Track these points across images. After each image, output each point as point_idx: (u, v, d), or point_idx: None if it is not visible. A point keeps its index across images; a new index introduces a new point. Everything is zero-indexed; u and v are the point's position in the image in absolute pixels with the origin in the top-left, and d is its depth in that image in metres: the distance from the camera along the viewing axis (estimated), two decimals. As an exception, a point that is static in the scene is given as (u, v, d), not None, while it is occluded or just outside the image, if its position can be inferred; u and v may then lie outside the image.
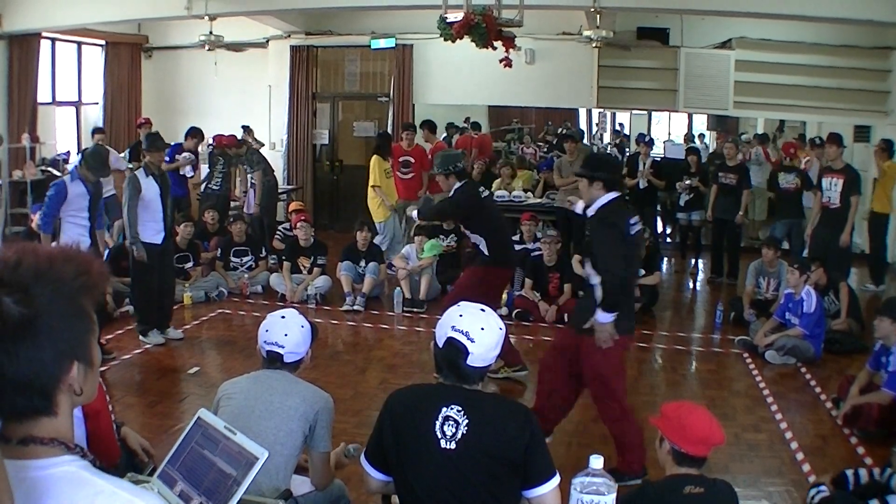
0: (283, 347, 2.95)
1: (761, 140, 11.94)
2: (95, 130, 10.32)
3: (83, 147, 10.62)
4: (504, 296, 7.86)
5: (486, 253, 5.75)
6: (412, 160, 9.38)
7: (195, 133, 9.68)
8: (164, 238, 6.59)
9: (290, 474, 2.93)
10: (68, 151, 11.35)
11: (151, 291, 6.61)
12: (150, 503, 1.18)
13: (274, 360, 2.97)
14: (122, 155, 10.62)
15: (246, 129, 10.95)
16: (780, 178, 8.95)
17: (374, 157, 9.34)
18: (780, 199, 9.21)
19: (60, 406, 1.20)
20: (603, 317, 4.06)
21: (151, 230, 6.45)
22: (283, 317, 3.03)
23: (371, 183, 9.26)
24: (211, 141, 10.40)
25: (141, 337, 6.68)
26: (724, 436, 2.74)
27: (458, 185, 5.76)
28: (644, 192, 10.08)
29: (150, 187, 6.41)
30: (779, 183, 8.95)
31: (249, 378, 3.02)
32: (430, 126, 10.21)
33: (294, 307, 7.81)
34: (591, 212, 4.25)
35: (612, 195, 4.20)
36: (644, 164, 10.18)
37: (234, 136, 10.15)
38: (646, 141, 10.67)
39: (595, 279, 4.14)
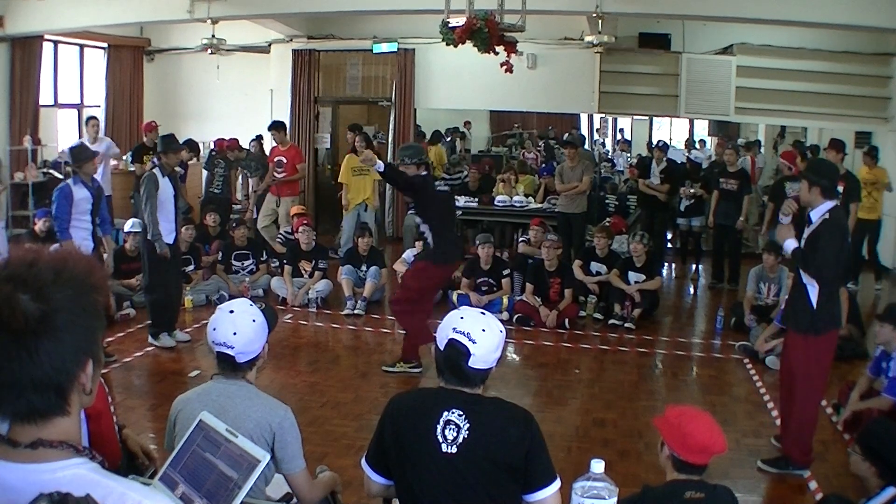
0: (232, 347, 2.63)
1: (748, 147, 12.02)
2: (89, 118, 10.28)
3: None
4: (505, 300, 7.87)
5: (430, 244, 6.03)
6: (285, 160, 9.68)
7: (191, 147, 9.67)
8: (175, 239, 6.62)
9: (264, 492, 2.70)
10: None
11: (166, 293, 6.62)
12: (159, 503, 1.19)
13: (225, 362, 2.68)
14: (125, 157, 10.65)
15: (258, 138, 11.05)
16: (786, 187, 8.91)
17: (348, 154, 9.75)
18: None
19: (73, 405, 1.22)
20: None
21: (164, 230, 6.46)
22: (231, 311, 2.66)
23: (340, 179, 9.81)
24: (212, 145, 10.43)
25: (151, 339, 6.68)
26: (725, 444, 2.69)
27: (421, 173, 6.02)
28: (657, 198, 10.01)
29: (166, 188, 6.45)
30: (785, 191, 8.92)
31: (200, 395, 2.72)
32: (277, 127, 10.09)
33: (295, 309, 7.94)
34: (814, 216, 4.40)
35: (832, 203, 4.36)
36: (658, 168, 10.12)
37: (235, 140, 10.17)
38: (660, 146, 10.64)
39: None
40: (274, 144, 10.07)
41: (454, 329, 2.33)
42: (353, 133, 10.09)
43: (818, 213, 4.36)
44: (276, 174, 9.69)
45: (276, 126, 9.87)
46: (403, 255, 8.48)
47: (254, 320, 2.66)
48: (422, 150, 6.48)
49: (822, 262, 4.27)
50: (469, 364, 2.31)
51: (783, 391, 4.75)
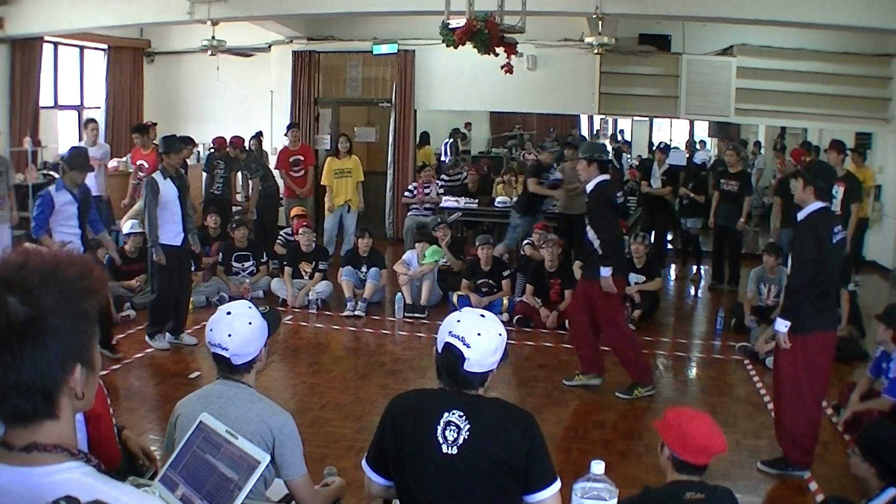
0: (226, 349, 2.61)
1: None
2: (88, 121, 10.22)
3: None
4: (505, 301, 7.86)
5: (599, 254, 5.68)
6: (146, 164, 9.29)
7: (187, 142, 9.63)
8: (183, 240, 6.57)
9: (264, 494, 2.70)
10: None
11: (171, 295, 6.59)
12: None
13: (222, 363, 2.66)
14: (124, 159, 10.63)
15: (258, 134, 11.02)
16: (790, 184, 8.87)
17: (329, 157, 9.91)
18: (786, 206, 9.18)
19: (62, 409, 1.20)
20: (779, 324, 4.46)
21: (171, 232, 6.43)
22: (228, 313, 2.65)
23: (322, 182, 9.92)
24: (211, 144, 10.41)
25: (148, 339, 6.67)
26: (725, 444, 2.71)
27: (599, 178, 5.68)
28: (658, 199, 10.02)
29: (168, 189, 6.40)
30: (790, 188, 8.88)
31: (200, 397, 2.71)
32: (140, 130, 9.73)
33: (296, 310, 7.94)
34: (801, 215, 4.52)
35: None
36: (660, 170, 10.12)
37: (240, 138, 10.18)
38: (661, 148, 10.64)
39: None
40: (278, 144, 10.18)
41: (450, 332, 2.32)
42: (292, 129, 10.30)
43: (802, 215, 4.45)
44: (139, 177, 9.16)
45: (139, 129, 9.54)
46: (404, 257, 8.47)
47: (250, 323, 2.63)
48: (596, 146, 6.11)
49: (792, 260, 4.47)
50: (465, 368, 2.30)
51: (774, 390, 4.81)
